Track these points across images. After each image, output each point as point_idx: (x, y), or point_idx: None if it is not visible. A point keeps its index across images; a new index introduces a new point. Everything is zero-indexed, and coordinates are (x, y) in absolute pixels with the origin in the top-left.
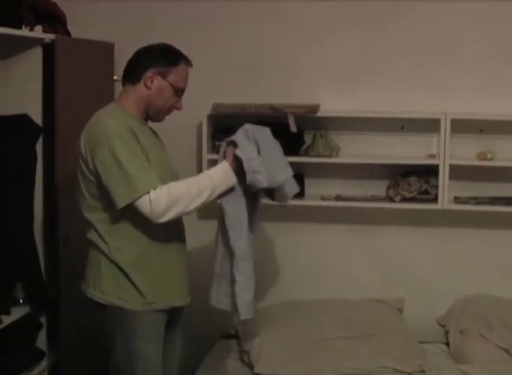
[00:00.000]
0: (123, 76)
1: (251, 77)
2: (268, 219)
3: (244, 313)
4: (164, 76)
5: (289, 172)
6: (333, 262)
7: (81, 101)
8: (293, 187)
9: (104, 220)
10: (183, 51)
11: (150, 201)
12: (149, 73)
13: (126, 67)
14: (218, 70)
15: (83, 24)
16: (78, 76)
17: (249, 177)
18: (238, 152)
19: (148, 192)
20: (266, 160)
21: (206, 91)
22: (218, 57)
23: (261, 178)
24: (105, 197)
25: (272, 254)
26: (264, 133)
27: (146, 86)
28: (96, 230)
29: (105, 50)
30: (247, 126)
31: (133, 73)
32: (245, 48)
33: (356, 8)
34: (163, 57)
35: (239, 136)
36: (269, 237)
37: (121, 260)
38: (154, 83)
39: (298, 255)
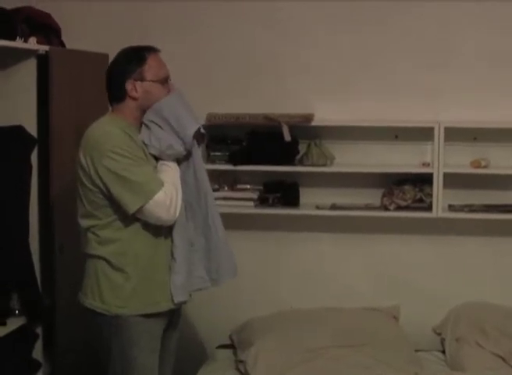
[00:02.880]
0: (109, 100)
1: (245, 86)
2: (263, 228)
3: (177, 295)
4: (142, 79)
5: (196, 125)
6: (329, 272)
7: (76, 112)
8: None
9: (103, 227)
10: (178, 61)
11: (164, 197)
12: (128, 86)
13: (107, 91)
14: (211, 80)
15: (78, 35)
16: (72, 88)
17: (164, 157)
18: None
19: (157, 192)
20: (174, 126)
21: (200, 100)
22: (212, 66)
23: (175, 149)
24: (111, 205)
25: (266, 263)
26: (170, 100)
27: (133, 98)
28: (94, 239)
29: (100, 61)
30: (156, 106)
31: (115, 94)
32: (239, 57)
33: (350, 15)
34: (129, 62)
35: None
36: (264, 247)
37: (119, 265)
38: (138, 91)
39: (293, 264)
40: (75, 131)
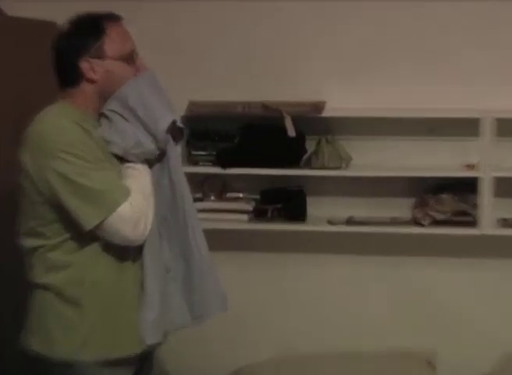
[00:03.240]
0: (58, 84)
1: (237, 68)
2: (260, 249)
3: (149, 336)
4: (101, 56)
5: (171, 116)
6: (344, 303)
7: (14, 98)
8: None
9: (52, 249)
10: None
11: (130, 210)
12: (83, 65)
13: (55, 72)
14: (193, 58)
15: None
16: (9, 66)
17: (131, 158)
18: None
19: (122, 203)
20: (144, 116)
21: (179, 85)
22: (194, 41)
23: (144, 147)
24: (62, 220)
25: (264, 293)
26: (138, 84)
27: (90, 80)
28: (40, 263)
29: (44, 31)
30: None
31: (66, 77)
32: (229, 30)
33: None
34: (83, 35)
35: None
36: (261, 272)
37: (74, 297)
38: (97, 71)
39: (299, 294)
40: (14, 124)
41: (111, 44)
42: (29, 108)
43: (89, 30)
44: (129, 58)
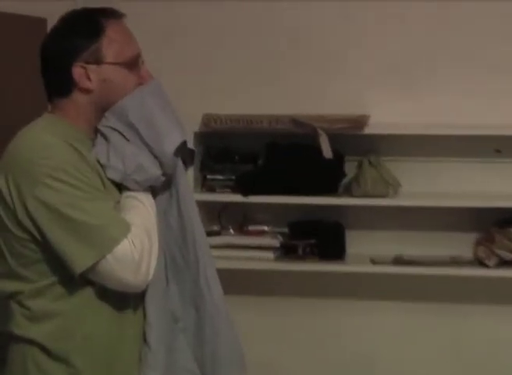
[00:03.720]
0: (47, 93)
1: (261, 75)
2: (288, 293)
3: None
4: (98, 60)
5: (180, 136)
6: (390, 358)
7: (2, 101)
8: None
9: (35, 294)
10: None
11: (130, 250)
12: (76, 72)
13: (43, 79)
14: (209, 64)
15: None
16: None
17: (131, 185)
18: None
19: (120, 241)
20: (146, 137)
21: (193, 96)
22: (210, 45)
23: (147, 172)
24: (47, 260)
25: (293, 347)
26: (142, 96)
27: (84, 90)
28: (21, 312)
29: (34, 29)
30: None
31: (56, 85)
32: (251, 33)
33: None
34: (77, 34)
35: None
36: (290, 322)
37: (62, 353)
38: (92, 79)
39: (336, 347)
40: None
41: (110, 46)
42: (12, 119)
43: (84, 28)
44: (132, 64)
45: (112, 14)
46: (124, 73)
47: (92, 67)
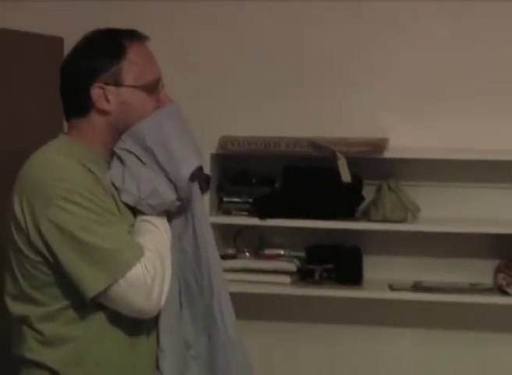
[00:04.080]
0: (64, 113)
1: (279, 97)
2: (305, 318)
3: None
4: (118, 82)
5: (196, 160)
6: None
7: (10, 127)
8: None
9: (47, 318)
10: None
11: (143, 275)
12: (95, 92)
13: (62, 98)
14: (228, 87)
15: (19, 12)
16: (6, 89)
17: (146, 209)
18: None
19: (133, 266)
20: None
21: (210, 118)
22: (228, 67)
23: (161, 197)
24: (59, 283)
25: (311, 372)
26: (160, 120)
27: (102, 111)
28: (32, 336)
29: (50, 48)
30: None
31: (73, 104)
32: (269, 54)
33: None
34: (98, 55)
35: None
36: (308, 347)
37: None
38: (111, 101)
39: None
40: (5, 160)
41: (131, 68)
42: (28, 138)
43: (106, 49)
44: (152, 88)
45: (136, 36)
46: (143, 96)
47: (111, 89)
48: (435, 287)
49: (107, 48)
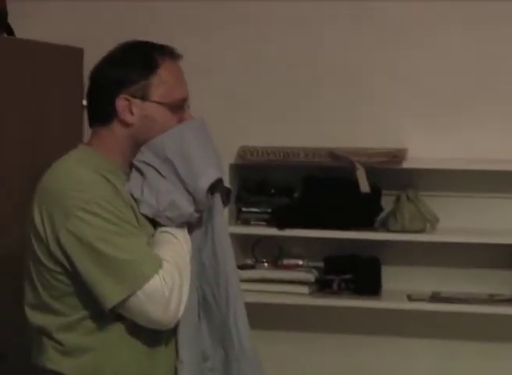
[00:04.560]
0: (88, 119)
1: (299, 108)
2: (325, 328)
3: None
4: (144, 96)
5: (215, 173)
6: None
7: (28, 138)
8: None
9: (67, 328)
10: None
11: (161, 286)
12: (120, 103)
13: (87, 104)
14: (246, 97)
15: (40, 21)
16: (31, 94)
17: (164, 221)
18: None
19: (151, 277)
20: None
21: (230, 128)
22: (247, 77)
23: (180, 209)
24: (78, 293)
25: None
26: (182, 133)
27: (124, 123)
28: (52, 346)
29: (70, 59)
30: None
31: (98, 111)
32: (288, 64)
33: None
34: (128, 66)
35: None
36: (326, 357)
37: None
38: (135, 114)
39: None
40: (25, 171)
41: (160, 85)
42: (48, 147)
43: (138, 62)
44: (177, 106)
45: (169, 53)
46: (167, 113)
47: (137, 102)
48: (453, 298)
49: (139, 61)
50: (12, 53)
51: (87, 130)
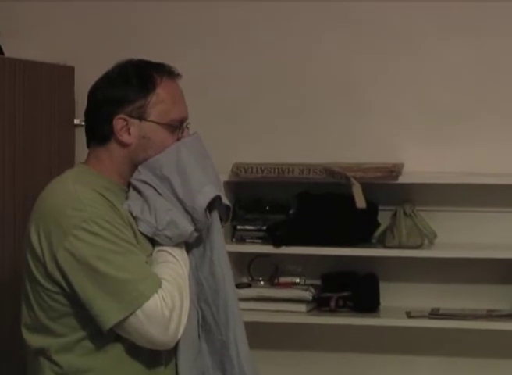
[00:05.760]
0: (86, 138)
1: (293, 124)
2: (322, 347)
3: None
4: (141, 116)
5: (214, 191)
6: None
7: (24, 153)
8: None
9: (64, 349)
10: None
11: (160, 306)
12: (118, 123)
13: (85, 123)
14: (239, 114)
15: (31, 39)
16: (23, 113)
17: (163, 240)
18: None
19: (150, 297)
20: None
21: (223, 145)
22: (241, 93)
23: (178, 228)
24: (76, 313)
25: None
26: (178, 151)
27: (122, 143)
28: (50, 368)
29: (61, 77)
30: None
31: (95, 131)
32: (282, 80)
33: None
34: (126, 85)
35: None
36: None
37: None
38: (132, 134)
39: None
40: (24, 186)
41: (158, 105)
42: (41, 166)
43: (135, 81)
44: (175, 127)
45: (168, 72)
46: (164, 133)
47: (134, 122)
48: (453, 314)
49: (137, 80)
50: (3, 72)
51: (78, 149)
